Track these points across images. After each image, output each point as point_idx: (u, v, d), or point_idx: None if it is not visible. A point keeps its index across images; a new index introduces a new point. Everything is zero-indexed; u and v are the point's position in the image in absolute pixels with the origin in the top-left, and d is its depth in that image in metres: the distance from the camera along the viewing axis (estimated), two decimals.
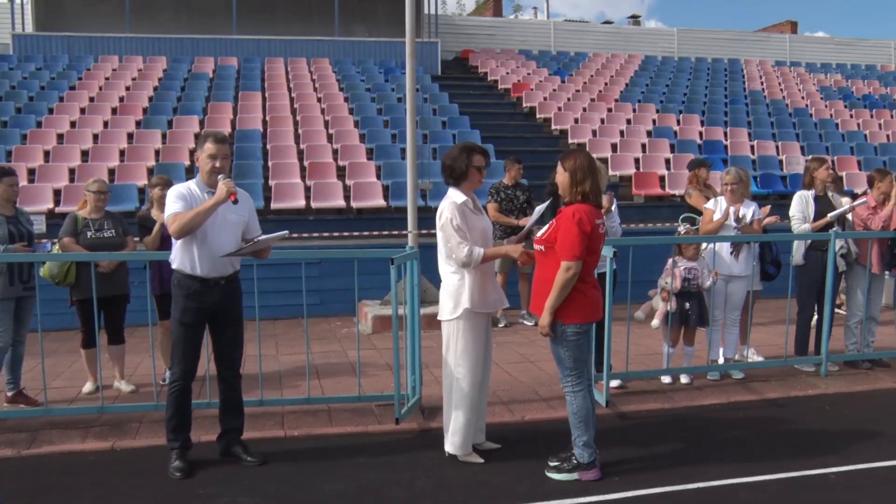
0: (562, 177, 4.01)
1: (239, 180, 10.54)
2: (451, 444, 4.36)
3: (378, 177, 11.13)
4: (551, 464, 4.17)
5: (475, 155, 4.27)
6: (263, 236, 4.22)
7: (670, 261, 5.91)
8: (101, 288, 5.26)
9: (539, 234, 4.12)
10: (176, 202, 4.07)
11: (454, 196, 4.24)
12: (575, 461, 4.09)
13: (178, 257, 4.17)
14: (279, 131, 12.49)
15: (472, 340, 4.24)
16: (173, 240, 4.17)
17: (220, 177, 4.10)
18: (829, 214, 6.19)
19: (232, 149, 4.36)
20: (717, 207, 6.06)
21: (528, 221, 4.61)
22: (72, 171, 10.83)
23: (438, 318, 4.35)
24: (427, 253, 5.45)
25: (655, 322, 6.09)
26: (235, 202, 4.08)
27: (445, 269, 4.28)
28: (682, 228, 6.36)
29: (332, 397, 5.48)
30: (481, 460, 4.33)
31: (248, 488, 4.03)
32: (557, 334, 4.01)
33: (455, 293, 4.22)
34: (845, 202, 6.48)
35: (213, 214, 4.06)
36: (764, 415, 5.26)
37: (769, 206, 6.40)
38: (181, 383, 4.23)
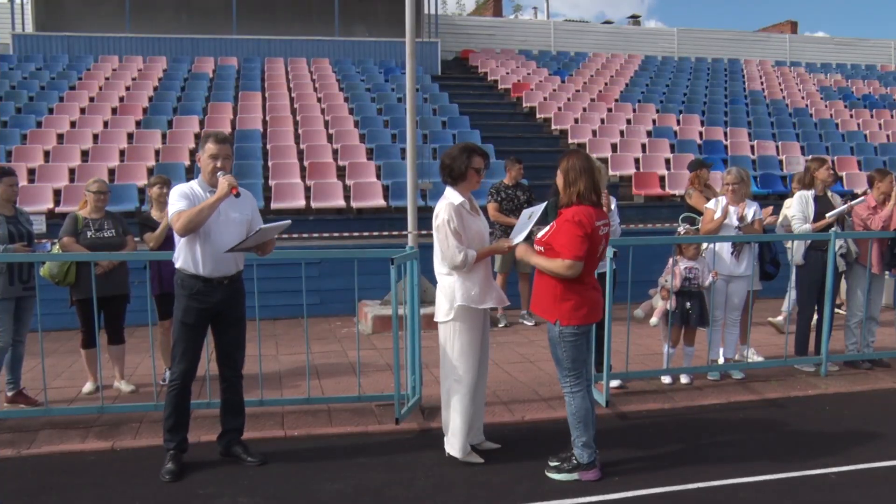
0: (558, 178, 4.02)
1: (239, 180, 10.47)
2: (449, 446, 4.35)
3: (378, 177, 11.13)
4: (551, 464, 4.17)
5: (475, 157, 4.24)
6: (266, 225, 4.18)
7: (671, 260, 5.91)
8: (100, 288, 5.26)
9: (539, 235, 4.12)
10: (180, 200, 4.07)
11: (451, 196, 4.21)
12: (575, 461, 4.09)
13: (182, 256, 4.17)
14: (279, 131, 12.49)
15: (468, 341, 4.23)
16: (176, 238, 4.17)
17: (219, 173, 4.10)
18: (828, 214, 6.20)
19: (232, 149, 4.34)
20: (717, 207, 6.06)
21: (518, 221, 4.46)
22: (72, 171, 10.83)
23: (434, 319, 4.34)
24: (427, 253, 5.44)
25: (654, 320, 6.09)
26: (238, 195, 4.07)
27: (441, 269, 4.26)
28: (681, 229, 6.36)
29: (332, 397, 5.48)
30: (481, 460, 4.33)
31: (248, 488, 4.03)
32: (556, 334, 4.01)
33: (450, 294, 4.20)
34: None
35: (216, 213, 4.06)
36: (764, 415, 5.26)
37: (771, 207, 6.40)
38: (179, 383, 4.23)
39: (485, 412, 4.69)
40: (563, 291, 3.95)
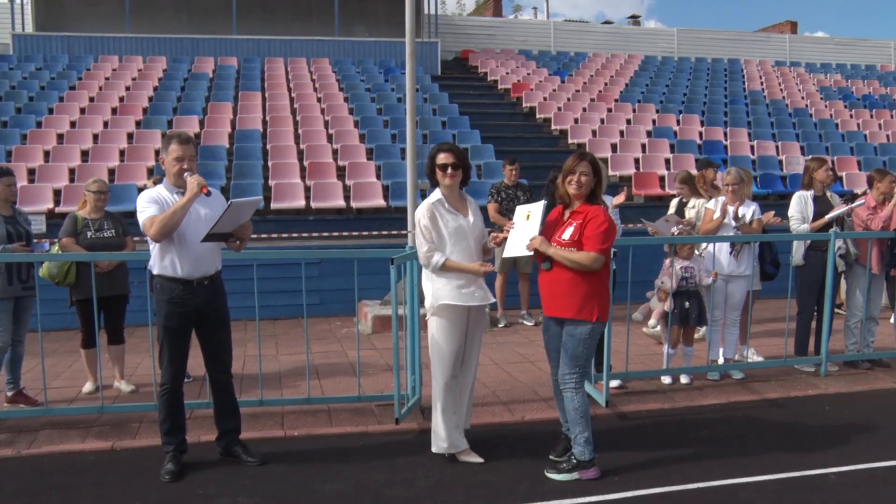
0: (591, 179, 4.04)
1: (239, 180, 10.57)
2: (434, 445, 4.34)
3: (378, 177, 11.13)
4: (551, 463, 4.17)
5: (438, 154, 4.28)
6: (236, 200, 4.06)
7: (667, 261, 5.91)
8: (100, 288, 5.25)
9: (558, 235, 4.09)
10: (150, 206, 4.01)
11: (431, 196, 4.29)
12: (574, 460, 4.09)
13: (159, 262, 4.12)
14: (279, 131, 12.49)
15: (447, 338, 4.23)
16: (151, 244, 4.12)
17: (185, 174, 4.04)
18: (827, 216, 6.20)
19: (196, 149, 4.28)
20: (717, 207, 6.06)
21: (511, 226, 4.29)
22: (72, 171, 10.84)
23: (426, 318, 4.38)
24: None
25: (652, 321, 6.08)
26: (208, 194, 4.04)
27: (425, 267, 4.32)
28: (675, 229, 6.36)
29: (332, 397, 5.48)
30: (481, 460, 4.32)
31: (248, 488, 4.03)
32: (586, 331, 4.01)
33: (430, 290, 4.25)
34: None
35: (187, 214, 4.00)
36: (764, 415, 5.26)
37: (773, 212, 6.39)
38: (170, 387, 4.23)
39: (473, 414, 4.68)
40: (598, 289, 4.01)
